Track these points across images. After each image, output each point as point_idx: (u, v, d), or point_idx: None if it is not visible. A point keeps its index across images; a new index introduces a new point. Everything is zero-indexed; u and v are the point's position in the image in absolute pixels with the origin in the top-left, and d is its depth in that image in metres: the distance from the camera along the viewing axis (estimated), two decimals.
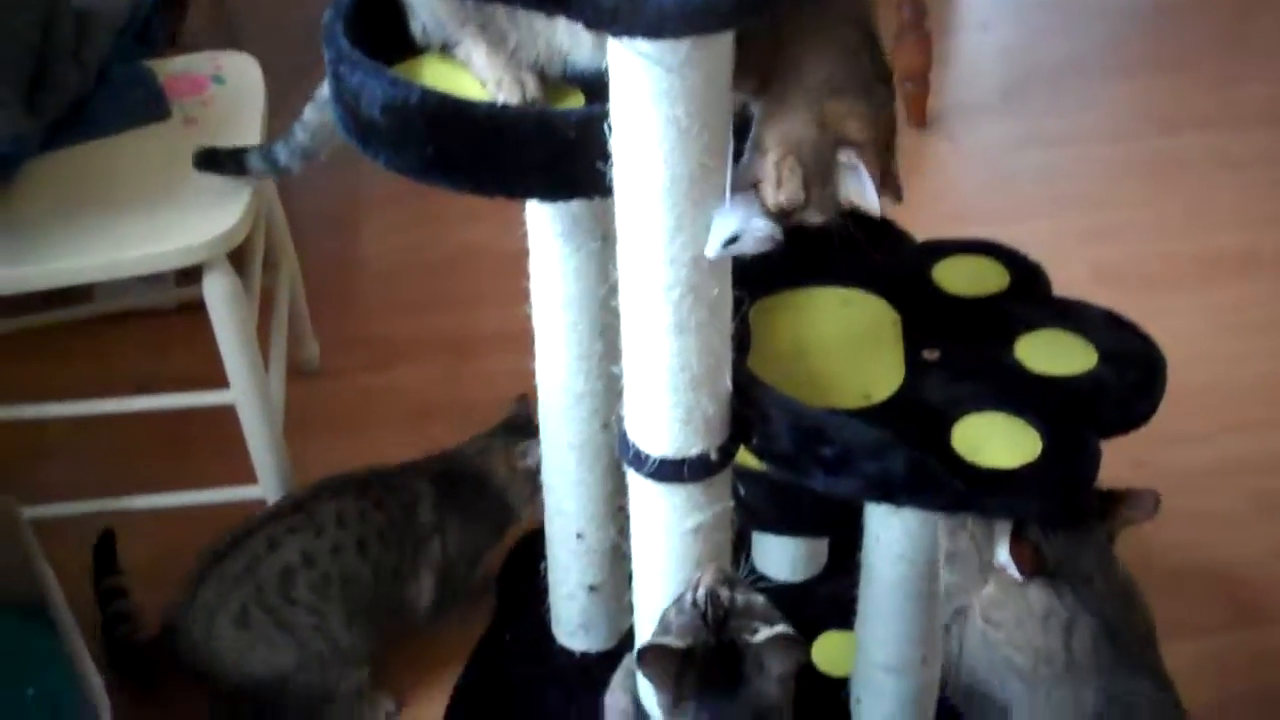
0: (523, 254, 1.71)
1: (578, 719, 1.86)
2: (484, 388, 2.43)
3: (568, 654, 1.96)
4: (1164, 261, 2.75)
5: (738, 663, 1.38)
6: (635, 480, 1.49)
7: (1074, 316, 1.65)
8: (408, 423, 2.39)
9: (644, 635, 1.61)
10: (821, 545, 2.04)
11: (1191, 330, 2.46)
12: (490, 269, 2.63)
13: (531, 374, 1.79)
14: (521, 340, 1.78)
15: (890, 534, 1.65)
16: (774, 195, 1.30)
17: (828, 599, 1.98)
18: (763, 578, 2.03)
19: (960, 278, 1.69)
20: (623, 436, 1.47)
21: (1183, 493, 2.19)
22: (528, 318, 1.74)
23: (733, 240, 1.29)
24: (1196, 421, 2.31)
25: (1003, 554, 1.54)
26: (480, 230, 2.69)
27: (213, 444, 2.07)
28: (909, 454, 1.43)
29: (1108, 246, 2.77)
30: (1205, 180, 2.99)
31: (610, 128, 1.28)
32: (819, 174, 1.31)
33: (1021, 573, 1.53)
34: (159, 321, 2.56)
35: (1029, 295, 1.69)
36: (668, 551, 1.51)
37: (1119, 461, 1.79)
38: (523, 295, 1.72)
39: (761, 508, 1.72)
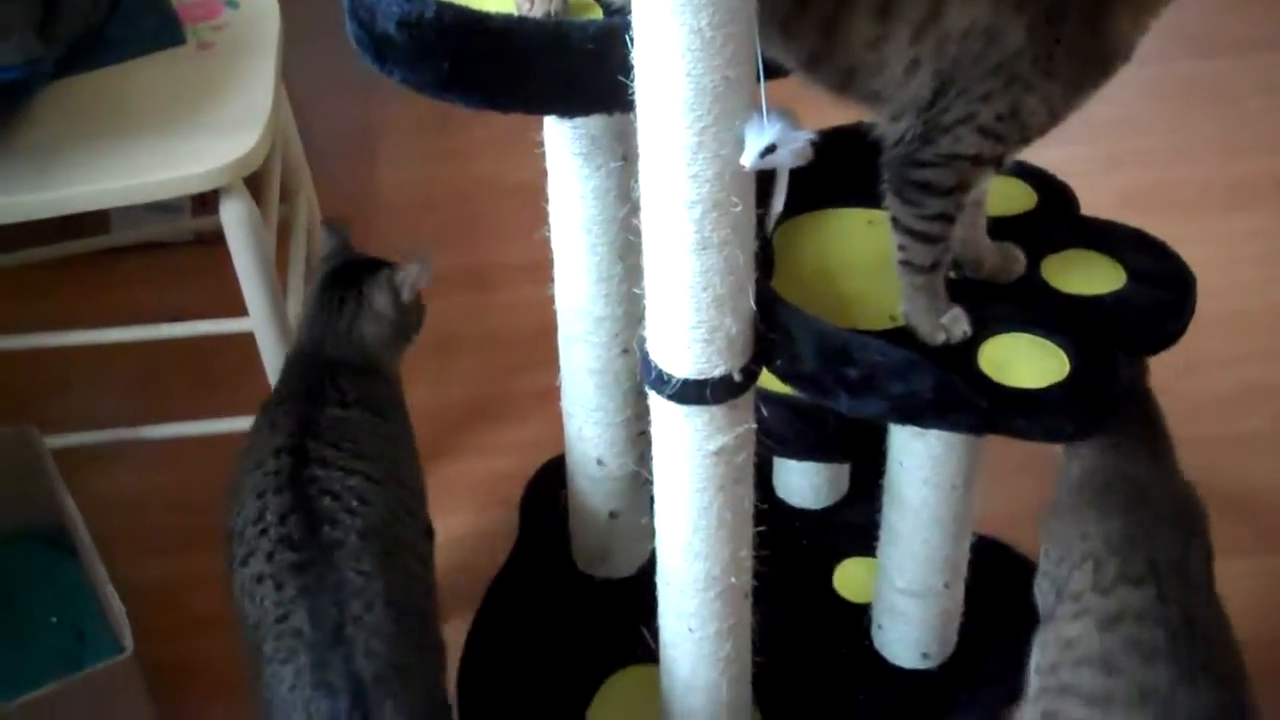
0: (542, 186, 1.69)
1: (600, 648, 1.87)
2: (505, 319, 2.43)
3: (589, 581, 1.95)
4: (1193, 187, 2.71)
5: None
6: (657, 403, 1.47)
7: (1102, 237, 1.62)
8: (430, 355, 2.34)
9: (664, 564, 1.61)
10: (843, 472, 2.03)
11: (1219, 256, 2.42)
12: (509, 201, 2.61)
13: (553, 304, 1.78)
14: (542, 270, 1.76)
15: (914, 459, 1.64)
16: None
17: (849, 526, 1.98)
18: (783, 504, 2.04)
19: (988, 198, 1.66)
20: (645, 358, 1.46)
21: (1207, 419, 2.18)
22: (548, 247, 1.73)
23: (769, 151, 1.26)
24: (1221, 348, 2.28)
25: None
26: (499, 162, 2.66)
27: (233, 373, 2.06)
28: (935, 374, 1.41)
29: (1136, 172, 2.73)
30: (1237, 105, 2.94)
31: (631, 40, 1.25)
32: None
33: None
34: (176, 254, 2.55)
35: (1057, 216, 1.66)
36: (689, 475, 1.50)
37: None
38: (542, 226, 1.71)
39: (784, 432, 1.70)
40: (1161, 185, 2.70)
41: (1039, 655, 1.49)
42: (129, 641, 1.60)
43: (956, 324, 1.49)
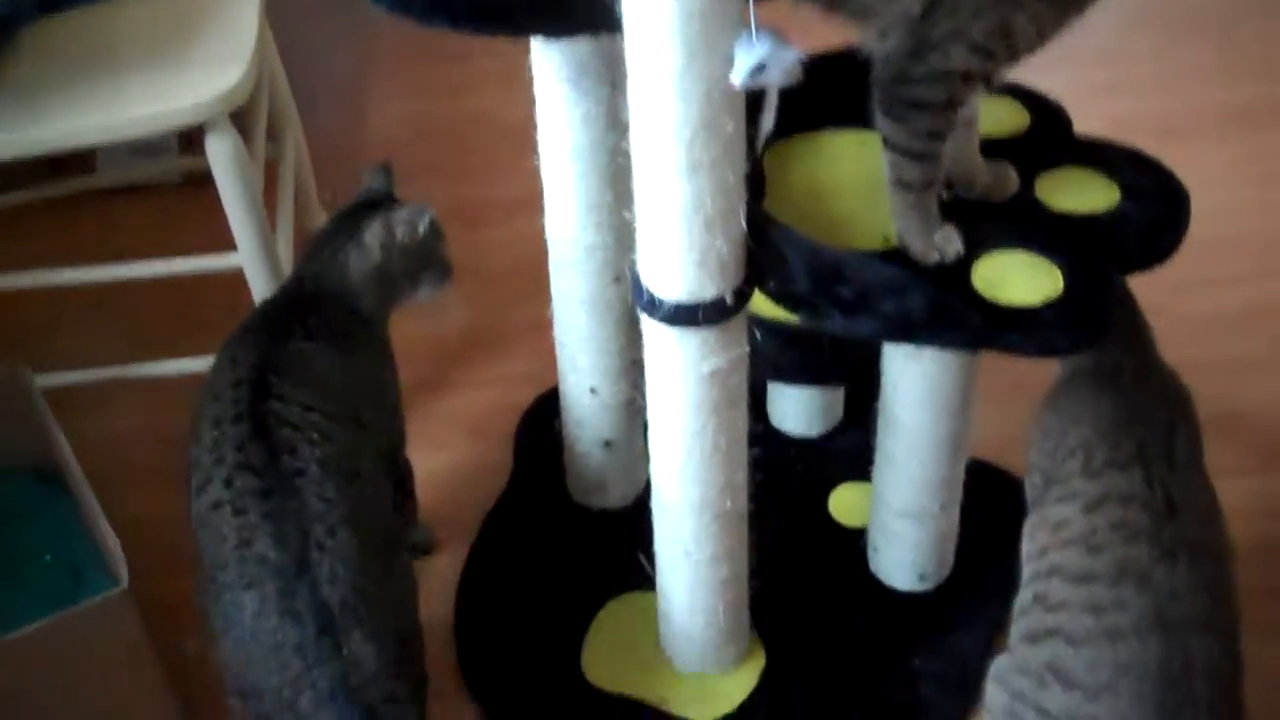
0: (530, 121, 1.67)
1: (596, 577, 1.87)
2: (497, 255, 2.41)
3: (584, 512, 1.96)
4: (1185, 114, 2.70)
5: None
6: (650, 326, 1.47)
7: (1095, 155, 1.62)
8: None
9: (660, 490, 1.61)
10: (837, 399, 2.03)
11: (1213, 181, 2.38)
12: (500, 137, 2.57)
13: (545, 238, 1.78)
14: (534, 205, 1.75)
15: (908, 381, 1.63)
16: None
17: (844, 452, 1.98)
18: (778, 432, 2.03)
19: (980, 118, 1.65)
20: (636, 281, 1.45)
21: (1203, 341, 2.17)
22: (539, 182, 1.72)
23: (759, 70, 1.25)
24: (1215, 270, 2.27)
25: None
26: (489, 99, 2.63)
27: (224, 312, 2.04)
28: (928, 292, 1.41)
29: (1127, 100, 2.71)
30: (1229, 31, 2.92)
31: None
32: None
33: None
34: (165, 195, 2.53)
35: (1050, 135, 1.65)
36: (683, 399, 1.50)
37: None
38: (532, 162, 1.70)
39: (777, 357, 1.70)
40: (1154, 113, 2.68)
41: (1028, 543, 1.52)
42: (124, 576, 1.60)
43: (949, 243, 1.48)
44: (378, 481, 1.60)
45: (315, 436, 1.51)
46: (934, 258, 1.48)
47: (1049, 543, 1.47)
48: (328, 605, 1.41)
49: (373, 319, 1.73)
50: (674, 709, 1.72)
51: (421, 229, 1.72)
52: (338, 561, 1.43)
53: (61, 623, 1.56)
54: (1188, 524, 1.41)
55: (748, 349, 1.50)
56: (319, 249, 1.73)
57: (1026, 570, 1.51)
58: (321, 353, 1.63)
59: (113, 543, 1.64)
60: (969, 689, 1.69)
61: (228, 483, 1.48)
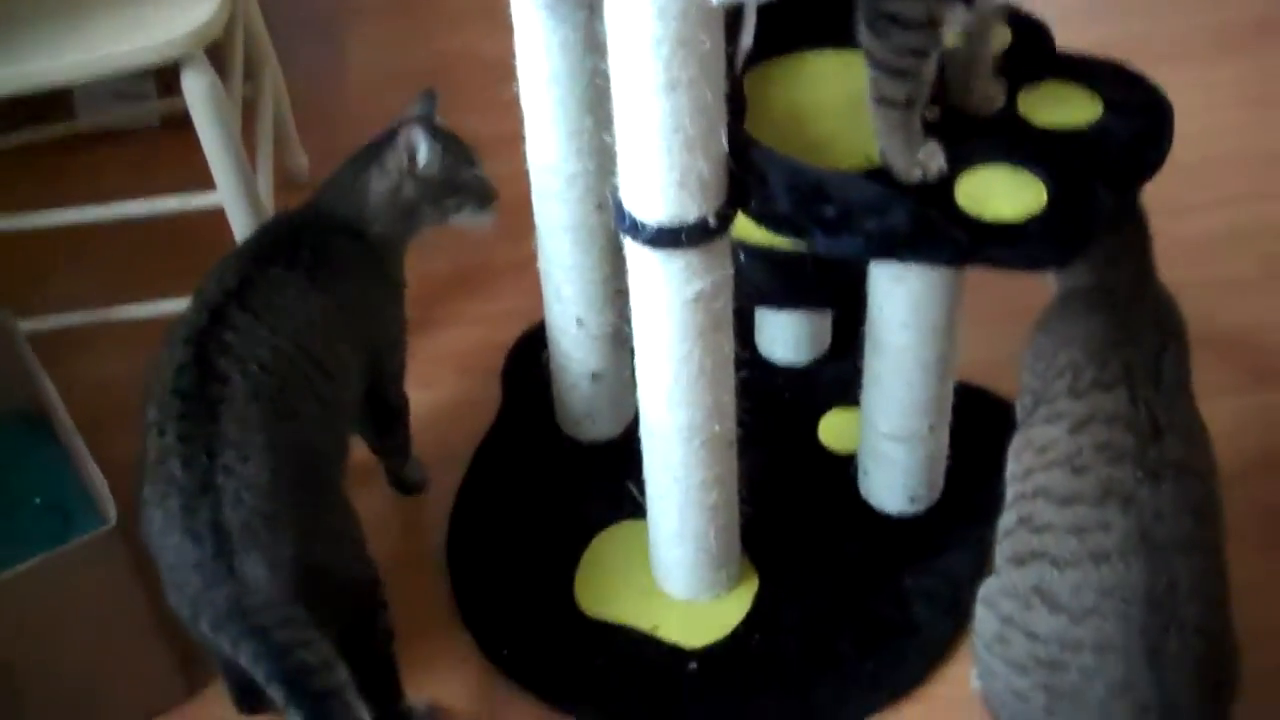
0: (509, 59, 1.66)
1: (586, 507, 1.87)
2: None
3: (574, 444, 1.95)
4: (1172, 37, 2.67)
5: None
6: (633, 250, 1.46)
7: (1077, 69, 1.60)
8: None
9: (648, 416, 1.60)
10: (824, 326, 2.02)
11: (1201, 103, 2.38)
12: (480, 75, 2.53)
13: (527, 178, 1.76)
14: (513, 144, 1.75)
15: (894, 302, 1.63)
16: None
17: (832, 379, 1.98)
18: (766, 361, 2.03)
19: (961, 35, 1.63)
20: (618, 206, 1.44)
21: (1193, 263, 2.14)
22: (519, 121, 1.71)
23: None
24: (1204, 192, 2.27)
25: None
26: (465, 37, 2.61)
27: (207, 253, 2.03)
28: (911, 208, 1.40)
29: (1112, 23, 2.68)
30: None
31: None
32: None
33: None
34: (145, 139, 2.51)
35: (1032, 51, 1.63)
36: (668, 324, 1.49)
37: None
38: (513, 99, 1.69)
39: (762, 282, 1.69)
40: (1137, 37, 2.65)
41: (1013, 463, 1.52)
42: (112, 514, 1.59)
43: (933, 159, 1.47)
44: (331, 421, 1.60)
45: (254, 368, 1.53)
46: (916, 175, 1.46)
47: (1034, 464, 1.47)
48: (226, 527, 1.43)
49: (381, 250, 1.74)
50: (667, 636, 1.72)
51: (422, 156, 1.72)
52: (244, 487, 1.45)
53: (50, 562, 1.56)
54: (1172, 445, 1.41)
55: (732, 271, 1.49)
56: (339, 174, 1.76)
57: (1011, 491, 1.51)
58: (296, 283, 1.63)
59: (100, 482, 1.64)
60: (960, 608, 1.69)
61: (159, 405, 1.52)
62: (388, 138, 1.75)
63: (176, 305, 2.00)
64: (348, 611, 1.54)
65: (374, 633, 1.58)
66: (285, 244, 1.67)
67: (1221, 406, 1.96)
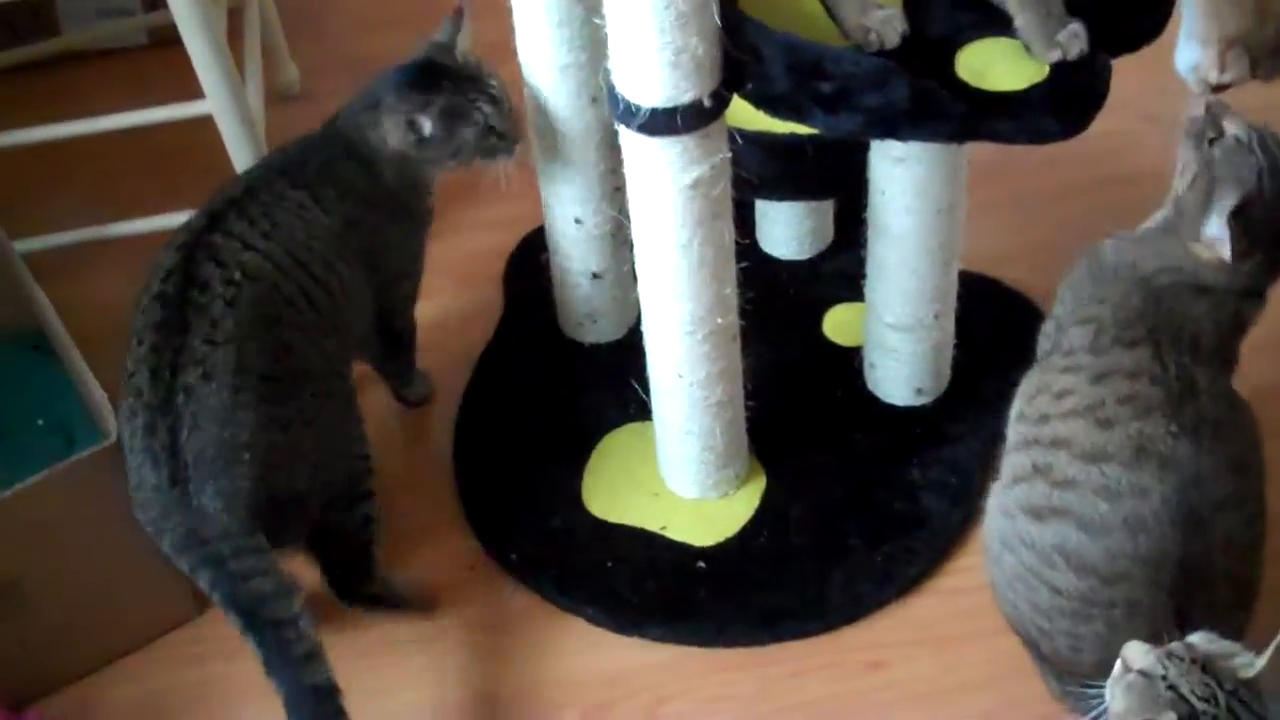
0: None
1: (592, 410, 1.85)
2: None
3: (577, 347, 1.93)
4: None
5: None
6: (628, 138, 1.43)
7: None
8: None
9: (650, 311, 1.58)
10: (827, 219, 2.00)
11: None
12: None
13: (522, 85, 1.73)
14: (507, 49, 1.71)
15: (896, 186, 1.60)
16: (1217, 77, 1.41)
17: (836, 273, 1.95)
18: (769, 257, 2.00)
19: None
20: (611, 91, 1.40)
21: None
22: (511, 27, 1.67)
23: None
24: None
25: (1215, 226, 1.39)
26: None
27: (200, 167, 2.01)
28: (911, 81, 1.36)
29: None
30: None
31: None
32: (1264, 53, 1.40)
33: (1231, 252, 1.38)
34: (133, 59, 2.47)
35: None
36: (667, 214, 1.46)
37: (1129, 116, 1.74)
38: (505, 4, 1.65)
39: (761, 171, 1.65)
40: None
41: (1025, 404, 1.47)
42: (113, 430, 1.58)
43: (888, 27, 1.43)
44: (322, 337, 1.58)
45: (238, 275, 1.51)
46: (873, 42, 1.43)
47: (1051, 410, 1.41)
48: (182, 454, 1.44)
49: (395, 185, 1.68)
50: (676, 536, 1.71)
51: (427, 129, 1.64)
52: (202, 411, 1.45)
53: (53, 479, 1.54)
54: (1210, 405, 1.36)
55: (729, 156, 1.46)
56: (354, 107, 1.69)
57: (1019, 431, 1.45)
58: (298, 199, 1.60)
59: (100, 397, 1.62)
60: (969, 497, 1.69)
61: (142, 310, 1.51)
62: (405, 77, 1.66)
63: (171, 220, 1.98)
64: (328, 505, 1.56)
65: (353, 520, 1.60)
66: (295, 162, 1.65)
67: None
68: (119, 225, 2.00)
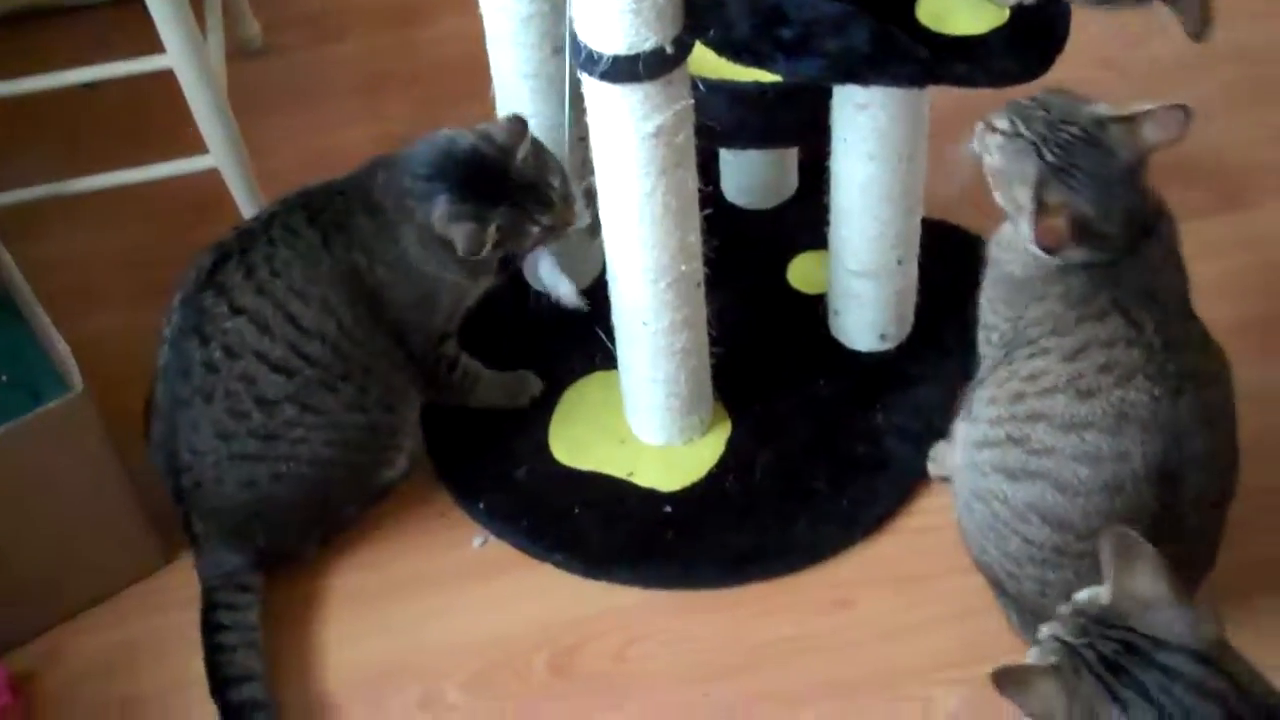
0: None
1: (558, 359, 1.86)
2: (435, 54, 2.36)
3: (543, 296, 1.93)
4: None
5: None
6: (591, 86, 1.43)
7: None
8: (359, 95, 2.33)
9: (614, 260, 1.59)
10: (790, 169, 2.01)
11: None
12: None
13: (483, 39, 1.72)
14: (469, 2, 1.71)
15: (858, 133, 1.61)
16: None
17: (799, 222, 1.97)
18: (733, 206, 2.01)
19: None
20: (573, 39, 1.41)
21: (1152, 89, 2.12)
22: None
23: None
24: (1162, 17, 2.23)
25: (1025, 230, 1.35)
26: None
27: (160, 124, 2.01)
28: (872, 25, 1.37)
29: None
30: None
31: None
32: None
33: (1046, 249, 1.34)
34: (96, 15, 2.45)
35: None
36: (630, 162, 1.47)
37: (1086, 63, 1.75)
38: None
39: (725, 119, 1.66)
40: None
41: (995, 389, 1.42)
42: (78, 381, 1.58)
43: None
44: (315, 393, 1.60)
45: (217, 355, 1.57)
46: None
47: (1025, 390, 1.38)
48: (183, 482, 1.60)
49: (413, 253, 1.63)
50: (642, 482, 1.73)
51: (484, 249, 1.57)
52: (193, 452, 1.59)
53: (17, 431, 1.54)
54: (1189, 357, 1.35)
55: (692, 104, 1.46)
56: (405, 173, 1.61)
57: (989, 414, 1.42)
58: (310, 239, 1.61)
59: (63, 349, 1.62)
60: (932, 440, 1.71)
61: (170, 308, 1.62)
62: (464, 179, 1.58)
63: (134, 175, 1.99)
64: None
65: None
66: (317, 204, 1.64)
67: (1192, 230, 1.97)
68: (81, 181, 1.99)
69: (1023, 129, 1.33)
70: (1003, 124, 1.35)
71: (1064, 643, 1.11)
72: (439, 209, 1.58)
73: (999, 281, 1.47)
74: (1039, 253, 1.33)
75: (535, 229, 1.61)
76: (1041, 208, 1.32)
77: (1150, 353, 1.33)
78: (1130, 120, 1.35)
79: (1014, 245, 1.42)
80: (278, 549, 1.68)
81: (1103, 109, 1.36)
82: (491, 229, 1.56)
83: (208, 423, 1.58)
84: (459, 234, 1.56)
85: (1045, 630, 1.15)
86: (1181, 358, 1.34)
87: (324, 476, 1.64)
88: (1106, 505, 1.33)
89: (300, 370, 1.58)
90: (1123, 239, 1.36)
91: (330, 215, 1.63)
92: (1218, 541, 1.44)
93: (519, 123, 1.60)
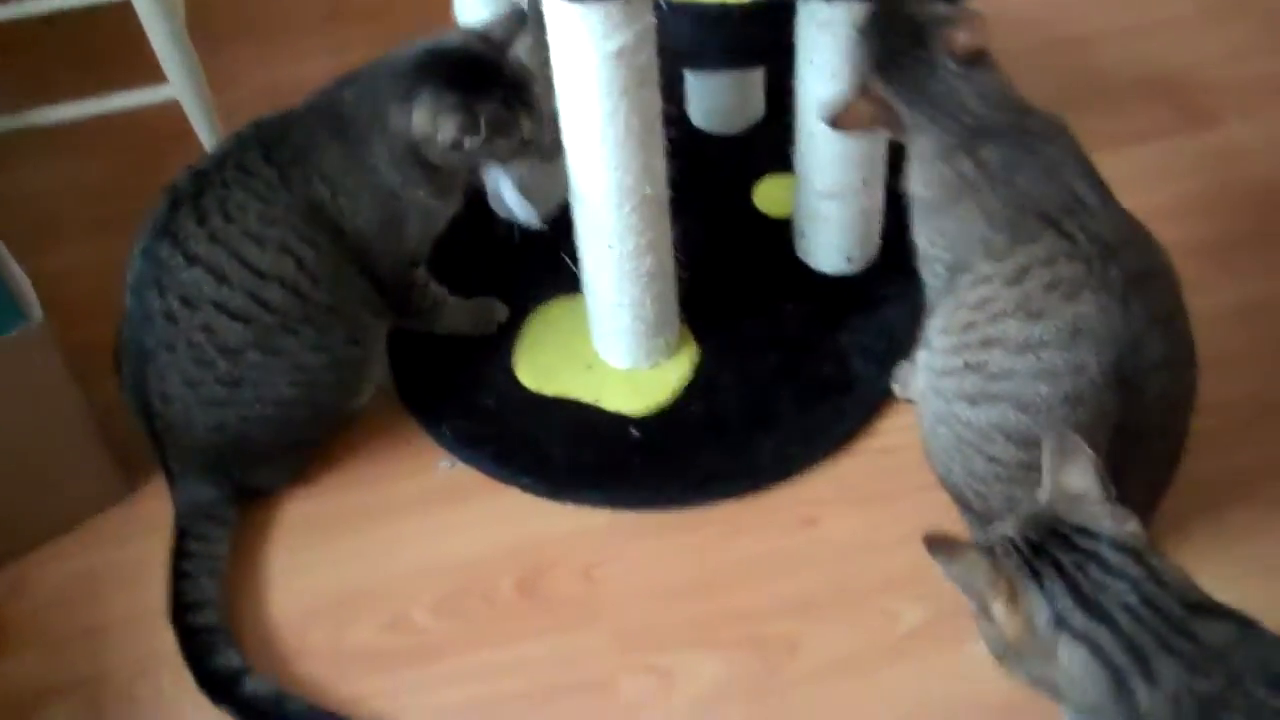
0: None
1: (523, 285, 1.86)
2: None
3: (508, 223, 1.92)
4: None
5: None
6: (551, 7, 1.42)
7: None
8: (322, 26, 2.31)
9: (578, 183, 1.58)
10: (757, 92, 2.00)
11: None
12: None
13: None
14: None
15: (822, 51, 1.60)
16: None
17: (766, 146, 1.96)
18: (699, 131, 2.00)
19: None
20: None
21: (1127, 6, 2.14)
22: None
23: None
24: None
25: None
26: None
27: (118, 55, 1.99)
28: None
29: None
30: None
31: None
32: None
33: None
34: None
35: None
36: (592, 83, 1.46)
37: None
38: None
39: (689, 40, 1.65)
40: None
41: (945, 319, 1.43)
42: (37, 312, 1.56)
43: None
44: (275, 340, 1.58)
45: (175, 306, 1.55)
46: None
47: (975, 319, 1.38)
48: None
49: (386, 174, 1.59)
50: (609, 406, 1.73)
51: (476, 138, 1.52)
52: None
53: None
54: (1128, 257, 1.35)
55: (654, 23, 1.45)
56: (378, 83, 1.56)
57: (946, 340, 1.42)
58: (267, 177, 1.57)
59: (22, 280, 1.60)
60: (894, 359, 1.72)
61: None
62: (450, 75, 1.52)
63: (94, 107, 1.97)
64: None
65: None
66: (274, 137, 1.59)
67: (1154, 149, 1.97)
68: (41, 113, 1.96)
69: None
70: None
71: (1001, 534, 1.15)
72: (422, 105, 1.51)
73: (917, 209, 1.49)
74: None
75: (520, 133, 1.55)
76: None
77: (1090, 264, 1.34)
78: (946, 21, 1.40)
79: (914, 169, 1.46)
80: (252, 483, 1.68)
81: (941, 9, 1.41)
82: (482, 120, 1.51)
83: (174, 371, 1.57)
84: (447, 123, 1.51)
85: (994, 531, 1.17)
86: (1121, 260, 1.34)
87: (293, 415, 1.63)
88: (1069, 417, 1.33)
89: (259, 317, 1.56)
90: (959, 125, 1.40)
91: (288, 149, 1.58)
92: (1183, 441, 1.44)
93: (516, 17, 1.56)
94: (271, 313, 1.56)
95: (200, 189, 1.56)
